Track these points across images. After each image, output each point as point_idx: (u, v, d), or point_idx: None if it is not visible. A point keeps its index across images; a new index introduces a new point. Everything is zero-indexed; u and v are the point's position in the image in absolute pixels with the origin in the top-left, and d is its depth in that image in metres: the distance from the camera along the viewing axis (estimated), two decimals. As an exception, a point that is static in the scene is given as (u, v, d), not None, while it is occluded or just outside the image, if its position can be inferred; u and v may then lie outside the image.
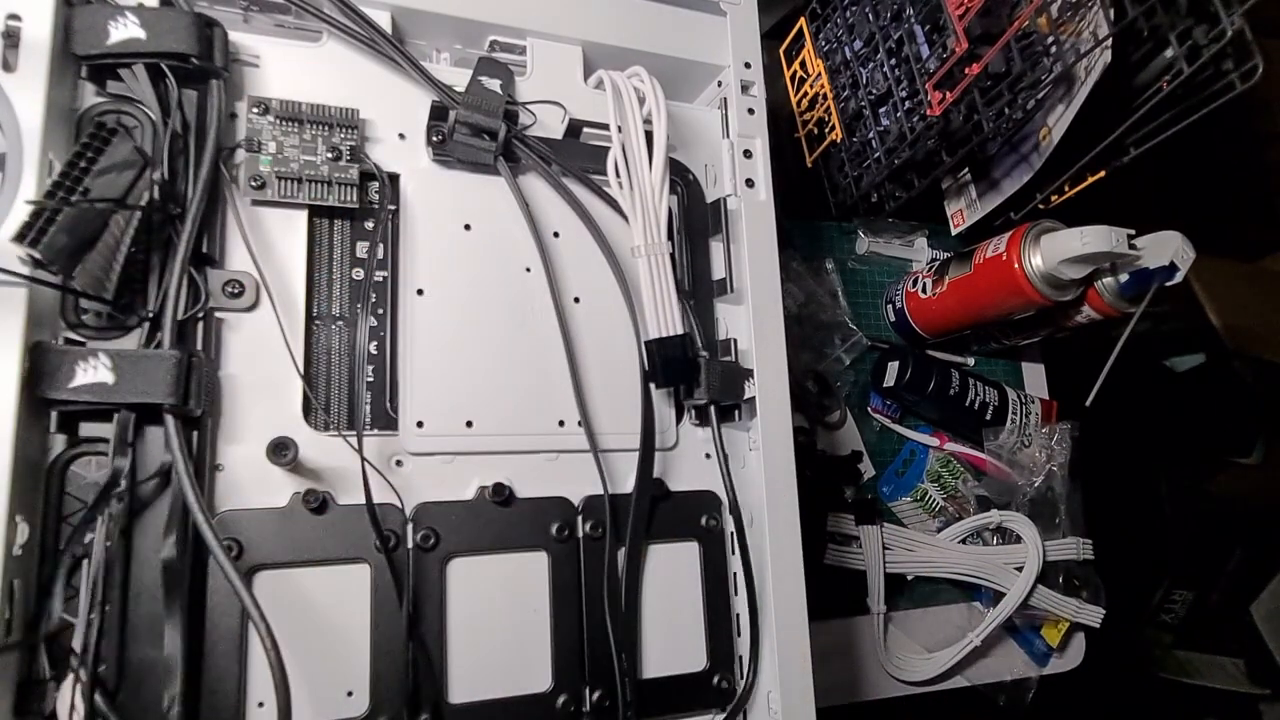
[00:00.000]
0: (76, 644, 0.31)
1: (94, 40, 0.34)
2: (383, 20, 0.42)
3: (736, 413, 0.46)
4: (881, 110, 0.66)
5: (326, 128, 0.39)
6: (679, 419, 0.46)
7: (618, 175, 0.44)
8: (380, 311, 0.41)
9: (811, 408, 0.67)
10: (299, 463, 0.36)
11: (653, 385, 0.44)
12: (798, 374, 0.65)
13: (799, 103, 0.75)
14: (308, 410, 0.38)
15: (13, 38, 0.33)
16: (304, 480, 0.37)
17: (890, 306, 0.73)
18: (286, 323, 0.37)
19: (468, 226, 0.43)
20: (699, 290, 0.47)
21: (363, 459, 0.36)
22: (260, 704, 0.34)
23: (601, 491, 0.41)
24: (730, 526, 0.44)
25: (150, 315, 0.34)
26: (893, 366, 0.67)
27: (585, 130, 0.46)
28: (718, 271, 0.47)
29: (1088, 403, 0.60)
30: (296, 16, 0.42)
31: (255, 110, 0.38)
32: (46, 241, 0.30)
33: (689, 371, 0.44)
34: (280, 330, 0.37)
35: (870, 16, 0.65)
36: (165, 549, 0.32)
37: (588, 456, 0.42)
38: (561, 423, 0.42)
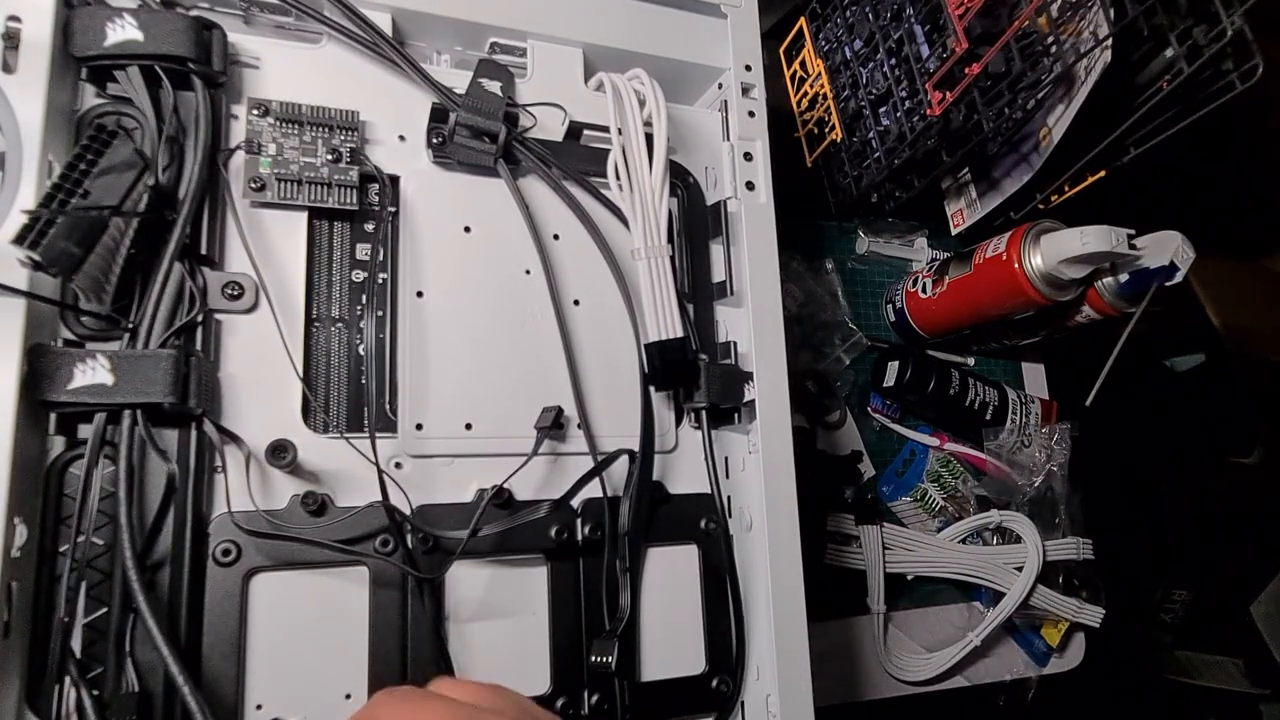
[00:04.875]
0: (75, 645, 0.32)
1: (92, 41, 0.34)
2: (383, 22, 0.42)
3: (736, 416, 0.45)
4: (881, 110, 0.66)
5: (327, 130, 0.39)
6: (678, 422, 0.46)
7: (618, 178, 0.44)
8: (380, 313, 0.41)
9: (811, 408, 0.67)
10: (298, 465, 0.36)
11: (652, 388, 0.44)
12: (797, 374, 0.65)
13: (799, 103, 0.75)
14: (306, 412, 0.38)
15: (13, 39, 0.33)
16: (303, 482, 0.37)
17: (890, 306, 0.73)
18: (286, 324, 0.37)
19: (468, 228, 0.43)
20: (699, 293, 0.47)
21: (377, 464, 0.36)
22: (259, 706, 0.34)
23: (601, 494, 0.41)
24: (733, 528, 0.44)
25: (147, 316, 0.34)
26: (893, 366, 0.67)
27: (585, 132, 0.46)
28: (718, 274, 0.47)
29: (1088, 403, 0.60)
30: (297, 19, 0.42)
31: (255, 112, 0.38)
32: (46, 244, 0.30)
33: (689, 374, 0.44)
34: (280, 334, 0.37)
35: (870, 16, 0.64)
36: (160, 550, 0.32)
37: (587, 459, 0.42)
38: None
